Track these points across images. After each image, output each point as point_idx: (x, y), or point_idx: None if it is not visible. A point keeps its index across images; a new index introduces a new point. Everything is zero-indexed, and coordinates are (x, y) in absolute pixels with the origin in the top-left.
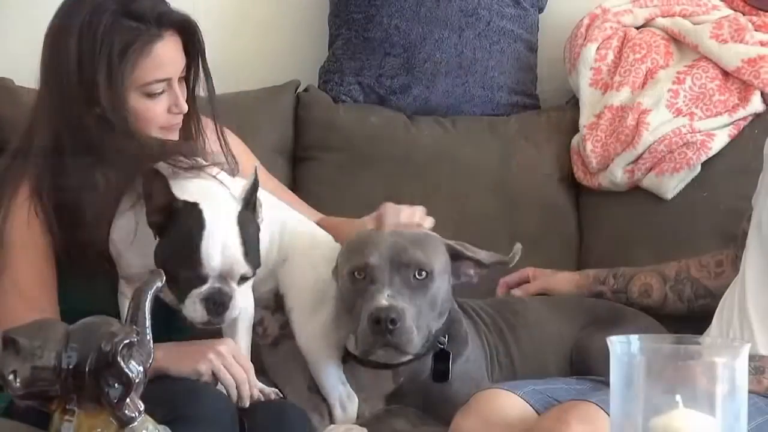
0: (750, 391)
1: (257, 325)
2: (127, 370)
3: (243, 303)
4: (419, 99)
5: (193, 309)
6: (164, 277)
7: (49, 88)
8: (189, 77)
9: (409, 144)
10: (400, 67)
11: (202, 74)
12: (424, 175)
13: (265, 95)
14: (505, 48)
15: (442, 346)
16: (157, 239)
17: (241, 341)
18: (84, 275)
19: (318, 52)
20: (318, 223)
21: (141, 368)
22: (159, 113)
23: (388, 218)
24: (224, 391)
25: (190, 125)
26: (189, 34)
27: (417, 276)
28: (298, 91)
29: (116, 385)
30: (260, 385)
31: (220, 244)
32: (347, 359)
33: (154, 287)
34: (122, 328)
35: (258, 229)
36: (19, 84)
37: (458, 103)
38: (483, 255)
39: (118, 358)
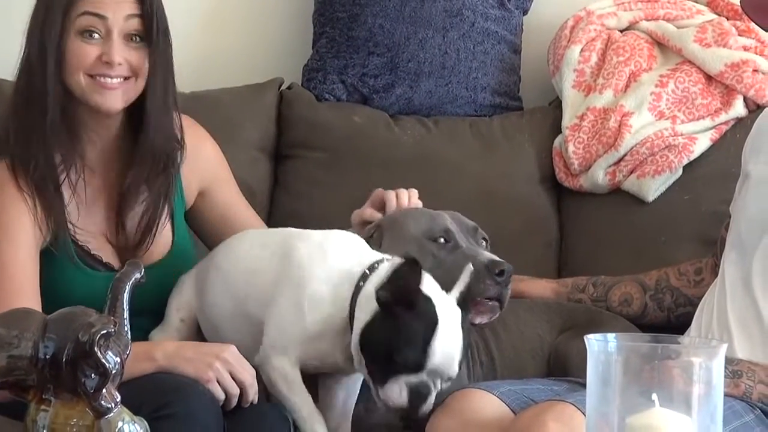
0: (727, 395)
1: None
2: (104, 361)
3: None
4: (402, 99)
5: (397, 391)
6: (143, 269)
7: (20, 68)
8: (151, 48)
9: (392, 143)
10: (384, 66)
11: (161, 43)
12: (406, 174)
13: (248, 92)
14: (488, 49)
15: None
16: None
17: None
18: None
19: (302, 50)
20: None
21: (118, 359)
22: (89, 56)
23: (391, 201)
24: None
25: (145, 100)
26: None
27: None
28: (281, 88)
29: (93, 375)
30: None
31: (446, 343)
32: None
33: (133, 279)
34: (100, 318)
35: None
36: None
37: (441, 104)
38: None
39: (96, 349)
